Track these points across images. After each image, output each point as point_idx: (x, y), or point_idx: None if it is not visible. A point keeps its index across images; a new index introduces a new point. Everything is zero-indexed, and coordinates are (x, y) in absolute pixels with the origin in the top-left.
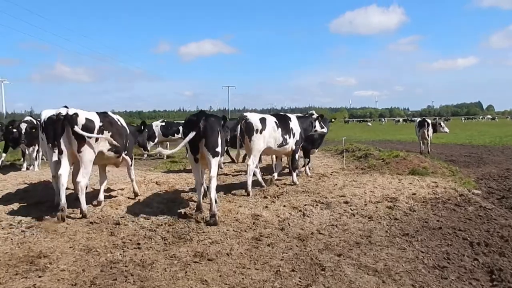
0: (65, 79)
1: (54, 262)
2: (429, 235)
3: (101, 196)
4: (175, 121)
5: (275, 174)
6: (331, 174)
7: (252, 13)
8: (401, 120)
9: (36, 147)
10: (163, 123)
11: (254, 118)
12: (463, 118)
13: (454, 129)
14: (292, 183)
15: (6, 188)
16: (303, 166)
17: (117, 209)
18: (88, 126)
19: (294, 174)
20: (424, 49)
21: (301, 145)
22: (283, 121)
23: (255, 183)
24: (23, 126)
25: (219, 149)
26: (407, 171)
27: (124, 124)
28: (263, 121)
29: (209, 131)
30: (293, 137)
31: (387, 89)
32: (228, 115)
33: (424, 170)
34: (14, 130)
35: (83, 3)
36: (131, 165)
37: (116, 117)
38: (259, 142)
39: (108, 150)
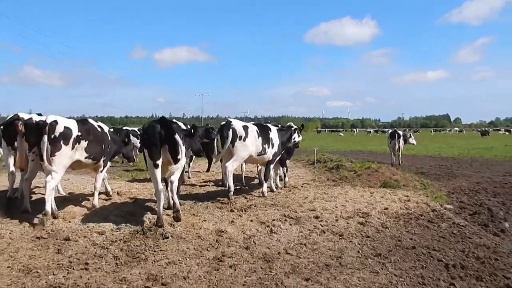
0: (37, 82)
1: None
2: (402, 255)
3: (96, 201)
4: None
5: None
6: (302, 186)
7: (229, 22)
8: (372, 131)
9: None
10: (111, 130)
11: (238, 125)
12: (432, 130)
13: (423, 140)
14: (262, 195)
15: None
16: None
17: (70, 222)
18: (66, 134)
19: (265, 186)
20: (396, 62)
21: (278, 157)
22: (263, 131)
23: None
24: None
25: (180, 156)
26: (379, 184)
27: (106, 131)
28: (246, 128)
29: (171, 137)
30: (272, 147)
31: (359, 100)
32: (201, 123)
33: (396, 183)
34: None
35: (58, 6)
36: (102, 172)
37: (97, 124)
38: (242, 149)
39: (86, 158)
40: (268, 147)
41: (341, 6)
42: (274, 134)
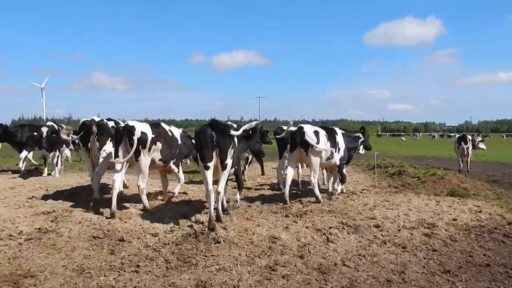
0: (102, 87)
1: (39, 284)
2: (475, 273)
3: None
4: None
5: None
6: (361, 192)
7: (287, 25)
8: (436, 135)
9: (57, 153)
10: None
11: (309, 131)
12: (504, 135)
13: (494, 146)
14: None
15: (21, 194)
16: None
17: (126, 222)
18: (143, 138)
19: (340, 187)
20: (462, 62)
21: (344, 162)
22: (331, 135)
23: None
24: (44, 130)
25: (229, 160)
26: (446, 192)
27: (177, 135)
28: (316, 134)
29: (221, 140)
30: (338, 151)
31: (422, 103)
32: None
33: (465, 192)
34: (35, 133)
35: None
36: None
37: (168, 128)
38: (315, 154)
39: (159, 160)
40: (336, 151)
41: (403, 5)
42: (340, 138)
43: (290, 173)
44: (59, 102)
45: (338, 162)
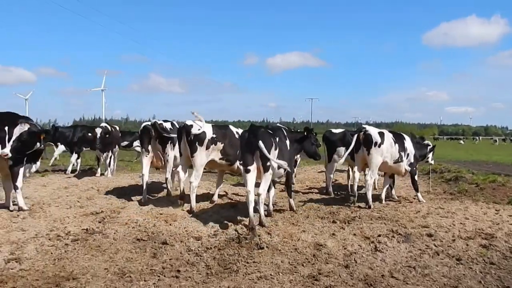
0: (160, 89)
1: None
2: None
3: (215, 197)
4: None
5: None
6: (413, 198)
7: (342, 26)
8: (498, 139)
9: (110, 153)
10: None
11: (373, 131)
12: None
13: None
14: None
15: (73, 194)
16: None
17: (170, 225)
18: (201, 136)
19: (419, 195)
20: None
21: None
22: (398, 139)
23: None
24: (98, 131)
25: (270, 163)
26: (507, 200)
27: None
28: (381, 135)
29: (257, 144)
30: (407, 157)
31: (483, 105)
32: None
33: None
34: (89, 134)
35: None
36: None
37: (235, 130)
38: (377, 155)
39: (220, 159)
40: (405, 156)
41: (465, 4)
42: (408, 143)
43: (357, 176)
44: (118, 104)
45: (408, 168)
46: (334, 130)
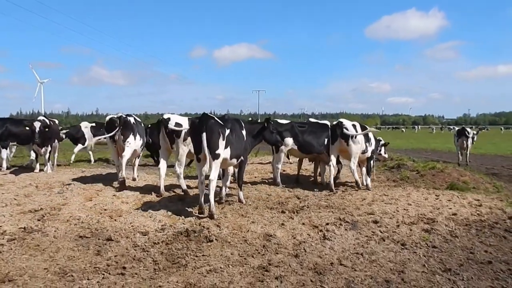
0: (102, 82)
1: None
2: (477, 271)
3: (223, 193)
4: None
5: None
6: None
7: (288, 18)
8: (434, 128)
9: (49, 148)
10: (93, 124)
11: (348, 124)
12: (502, 128)
13: (493, 138)
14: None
15: (9, 191)
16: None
17: (115, 221)
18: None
19: (369, 180)
20: (464, 55)
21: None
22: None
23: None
24: (37, 125)
25: (219, 151)
26: (445, 186)
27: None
28: (355, 127)
29: (209, 133)
30: (371, 146)
31: (422, 96)
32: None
33: (465, 185)
34: (27, 128)
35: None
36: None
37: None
38: (356, 146)
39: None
40: (369, 146)
41: None
42: (371, 134)
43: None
44: (59, 97)
45: (369, 155)
46: (280, 121)
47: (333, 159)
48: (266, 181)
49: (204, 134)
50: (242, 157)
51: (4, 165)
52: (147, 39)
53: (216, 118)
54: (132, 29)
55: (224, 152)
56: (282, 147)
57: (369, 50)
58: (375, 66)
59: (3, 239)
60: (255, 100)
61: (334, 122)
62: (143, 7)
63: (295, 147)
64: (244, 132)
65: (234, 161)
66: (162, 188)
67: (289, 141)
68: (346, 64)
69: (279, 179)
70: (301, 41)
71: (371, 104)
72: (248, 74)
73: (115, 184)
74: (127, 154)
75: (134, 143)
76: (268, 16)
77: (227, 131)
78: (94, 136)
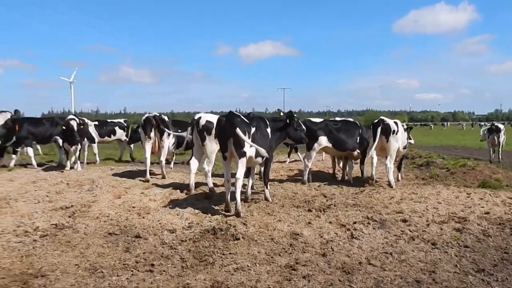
0: (129, 80)
1: (49, 285)
2: (511, 272)
3: (249, 191)
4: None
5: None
6: (387, 184)
7: (313, 14)
8: (465, 124)
9: (79, 146)
10: (96, 123)
11: (390, 121)
12: None
13: None
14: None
15: (41, 188)
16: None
17: (143, 218)
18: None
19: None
20: (495, 49)
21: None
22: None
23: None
24: (73, 123)
25: (245, 149)
26: (477, 184)
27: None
28: (396, 124)
29: (233, 131)
30: (402, 143)
31: (451, 92)
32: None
33: (497, 183)
34: (63, 127)
35: (145, 9)
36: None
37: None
38: (395, 143)
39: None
40: (407, 141)
41: None
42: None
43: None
44: (88, 96)
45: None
46: (314, 119)
47: (374, 156)
48: (292, 179)
49: (232, 132)
50: (267, 155)
51: (34, 162)
52: (172, 38)
53: (242, 116)
54: (157, 28)
55: (249, 150)
56: (315, 145)
57: (396, 45)
58: (402, 62)
59: (36, 235)
60: (280, 97)
61: (375, 120)
62: (168, 6)
63: (330, 145)
64: (269, 130)
65: (260, 159)
66: (192, 183)
67: (323, 139)
68: (373, 60)
69: (306, 177)
70: (327, 38)
71: (398, 101)
72: (273, 71)
73: (142, 179)
74: (164, 151)
75: (167, 141)
76: (293, 13)
77: (253, 129)
78: (100, 135)
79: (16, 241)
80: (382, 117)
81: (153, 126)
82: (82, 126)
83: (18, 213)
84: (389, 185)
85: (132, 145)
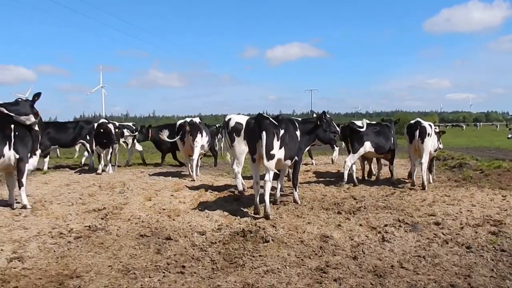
0: (158, 84)
1: (84, 286)
2: None
3: (278, 194)
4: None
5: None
6: (418, 186)
7: (342, 14)
8: (498, 125)
9: (110, 149)
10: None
11: (426, 124)
12: None
13: None
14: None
15: (75, 191)
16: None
17: (174, 220)
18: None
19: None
20: None
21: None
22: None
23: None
24: (111, 127)
25: (274, 151)
26: None
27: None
28: (431, 127)
29: (264, 133)
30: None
31: (484, 91)
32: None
33: None
34: (101, 131)
35: (172, 12)
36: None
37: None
38: (429, 144)
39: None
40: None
41: None
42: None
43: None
44: (118, 100)
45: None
46: (357, 122)
47: (412, 157)
48: (321, 181)
49: (262, 135)
50: (296, 158)
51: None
52: (200, 41)
53: (270, 119)
54: (185, 32)
55: (278, 152)
56: (361, 149)
57: (427, 45)
58: (433, 61)
59: (70, 236)
60: (307, 99)
61: (412, 121)
62: (194, 10)
63: (372, 150)
64: (298, 132)
65: (289, 161)
66: (240, 186)
67: (368, 144)
68: (403, 60)
69: (346, 178)
70: (355, 38)
71: (428, 101)
72: (301, 73)
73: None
74: (196, 153)
75: (200, 142)
76: (321, 14)
77: (281, 132)
78: None
79: (51, 242)
80: (418, 119)
81: (187, 131)
82: (117, 130)
83: (53, 215)
84: (422, 186)
85: (141, 148)
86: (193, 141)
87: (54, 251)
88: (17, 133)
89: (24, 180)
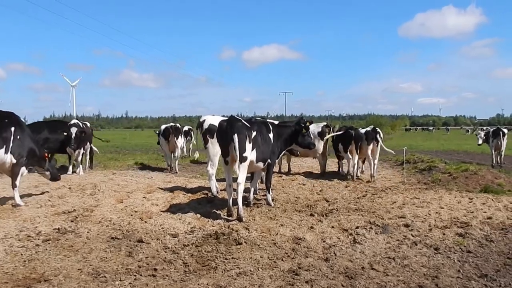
0: (132, 84)
1: None
2: None
3: (251, 196)
4: None
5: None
6: (389, 189)
7: (320, 17)
8: (469, 129)
9: (82, 151)
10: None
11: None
12: None
13: None
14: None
15: (44, 193)
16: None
17: (146, 222)
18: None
19: None
20: (501, 53)
21: None
22: None
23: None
24: (73, 130)
25: (246, 154)
26: (479, 188)
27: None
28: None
29: (236, 135)
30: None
31: (454, 96)
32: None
33: (500, 188)
34: (65, 133)
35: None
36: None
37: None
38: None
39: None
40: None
41: None
42: None
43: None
44: (90, 100)
45: None
46: (362, 130)
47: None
48: (294, 184)
49: (234, 137)
50: (269, 160)
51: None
52: (176, 42)
53: (243, 121)
54: (161, 32)
55: (250, 154)
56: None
57: (401, 49)
58: (407, 65)
59: (38, 239)
60: (283, 101)
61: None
62: (171, 10)
63: (369, 153)
64: (271, 135)
65: (261, 164)
66: (213, 189)
67: (367, 148)
68: (378, 64)
69: (352, 173)
70: (333, 41)
71: (400, 105)
72: (278, 75)
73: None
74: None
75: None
76: (299, 16)
77: (254, 134)
78: None
79: (18, 245)
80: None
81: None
82: (83, 134)
83: (21, 218)
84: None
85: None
86: (176, 141)
87: (21, 254)
88: (18, 136)
89: (18, 181)
